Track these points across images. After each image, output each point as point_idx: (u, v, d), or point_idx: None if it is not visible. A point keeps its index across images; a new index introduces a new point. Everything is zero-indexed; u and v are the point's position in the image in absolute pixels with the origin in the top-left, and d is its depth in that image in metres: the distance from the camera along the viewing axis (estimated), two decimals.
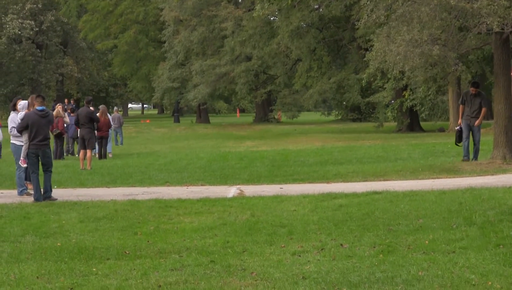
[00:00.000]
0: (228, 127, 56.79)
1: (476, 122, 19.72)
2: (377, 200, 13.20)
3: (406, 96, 42.24)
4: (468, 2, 16.83)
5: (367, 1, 18.62)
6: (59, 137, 27.00)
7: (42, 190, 14.89)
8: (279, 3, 36.37)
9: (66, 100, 49.72)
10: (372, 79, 38.77)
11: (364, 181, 17.01)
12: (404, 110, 43.22)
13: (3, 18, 63.55)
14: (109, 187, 17.20)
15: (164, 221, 12.16)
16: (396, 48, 17.76)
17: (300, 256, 9.17)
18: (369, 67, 26.29)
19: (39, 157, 14.98)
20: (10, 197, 15.46)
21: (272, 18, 46.64)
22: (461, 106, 20.28)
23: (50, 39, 68.97)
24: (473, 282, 7.51)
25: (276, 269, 8.41)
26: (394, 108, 44.26)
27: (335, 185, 16.09)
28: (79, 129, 23.69)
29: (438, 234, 9.97)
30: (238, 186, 16.69)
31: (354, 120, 63.26)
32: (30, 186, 15.84)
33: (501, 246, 9.09)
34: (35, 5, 65.09)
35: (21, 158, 15.16)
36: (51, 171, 15.21)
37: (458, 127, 20.23)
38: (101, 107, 27.26)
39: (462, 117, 20.10)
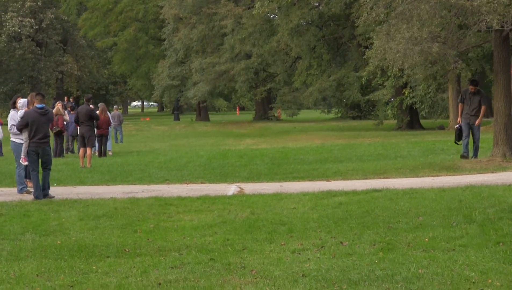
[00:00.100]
0: (228, 125, 56.80)
1: (477, 122, 19.71)
2: (377, 198, 13.19)
3: (406, 94, 42.24)
4: (468, 0, 16.82)
5: None
6: (59, 135, 27.01)
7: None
8: (279, 1, 36.36)
9: (65, 98, 49.72)
10: (372, 77, 38.79)
11: (364, 179, 17.01)
12: (404, 108, 43.22)
13: (3, 16, 63.54)
14: (109, 185, 17.20)
15: (164, 219, 12.16)
16: (395, 46, 17.74)
17: (300, 254, 9.17)
18: (369, 65, 26.31)
19: (39, 155, 14.99)
20: (10, 195, 15.46)
21: (271, 16, 46.56)
22: (460, 104, 20.24)
23: (50, 37, 68.97)
24: (473, 280, 7.51)
25: (276, 267, 8.41)
26: (394, 106, 44.27)
27: (335, 183, 16.08)
28: (78, 127, 23.69)
29: (438, 232, 9.97)
30: (238, 184, 16.69)
31: (354, 118, 63.24)
32: (30, 184, 15.84)
33: (501, 244, 9.09)
34: (35, 3, 65.08)
35: (22, 156, 15.16)
36: (50, 169, 15.23)
37: (457, 126, 20.21)
38: (101, 105, 27.28)
39: (461, 116, 20.08)
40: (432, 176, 16.92)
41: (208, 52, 52.19)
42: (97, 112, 25.30)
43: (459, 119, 20.21)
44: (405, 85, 41.16)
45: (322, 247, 9.46)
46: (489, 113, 35.71)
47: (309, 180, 17.15)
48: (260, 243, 9.88)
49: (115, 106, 42.68)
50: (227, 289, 7.60)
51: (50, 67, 69.13)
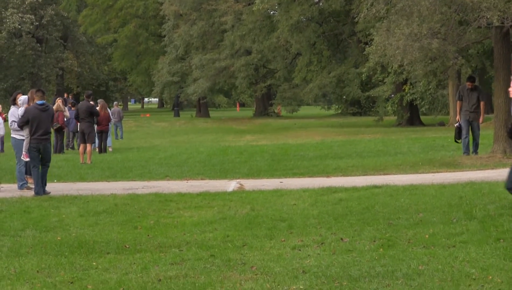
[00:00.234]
0: (228, 121, 56.78)
1: (480, 120, 19.72)
2: (377, 194, 13.19)
3: (406, 90, 42.23)
4: None
5: None
6: (59, 131, 27.01)
7: None
8: None
9: (65, 94, 49.71)
10: (372, 73, 38.80)
11: (364, 175, 17.01)
12: (404, 104, 43.22)
13: (3, 12, 63.48)
14: (109, 181, 17.20)
15: (164, 215, 12.16)
16: (395, 42, 17.74)
17: (300, 250, 9.16)
18: (369, 61, 26.31)
19: (40, 151, 15.00)
20: (11, 191, 15.46)
21: (272, 12, 46.59)
22: (458, 102, 20.19)
23: (50, 33, 68.93)
24: (473, 276, 7.51)
25: (276, 263, 8.41)
26: (394, 102, 44.25)
27: (335, 179, 16.08)
28: (79, 123, 23.70)
29: (438, 228, 9.96)
30: (238, 180, 16.69)
31: (354, 114, 63.21)
32: (30, 180, 15.85)
33: (502, 240, 9.08)
34: (35, 0, 65.04)
35: (23, 152, 15.18)
36: (48, 166, 15.27)
37: (457, 124, 20.18)
38: (100, 101, 27.28)
39: (460, 113, 20.05)
40: (433, 172, 16.91)
41: (208, 48, 52.20)
42: (97, 108, 25.31)
43: (458, 117, 20.18)
44: (405, 82, 41.15)
45: (322, 243, 9.46)
46: (489, 109, 35.70)
47: (309, 177, 17.15)
48: (260, 240, 9.87)
49: (115, 103, 42.66)
50: (227, 285, 7.60)
51: (50, 64, 69.11)
